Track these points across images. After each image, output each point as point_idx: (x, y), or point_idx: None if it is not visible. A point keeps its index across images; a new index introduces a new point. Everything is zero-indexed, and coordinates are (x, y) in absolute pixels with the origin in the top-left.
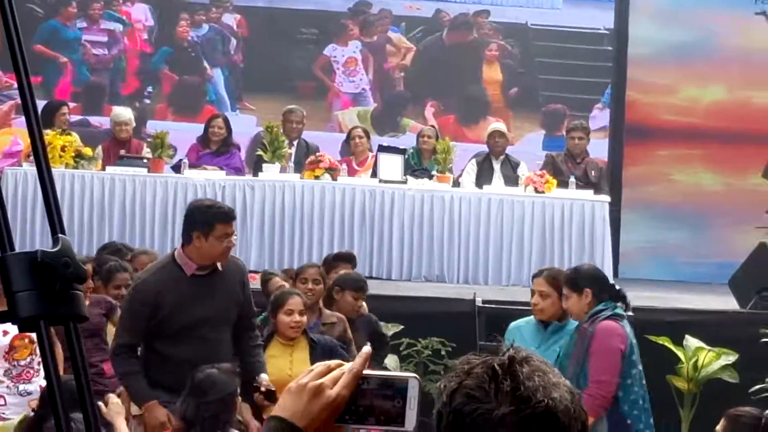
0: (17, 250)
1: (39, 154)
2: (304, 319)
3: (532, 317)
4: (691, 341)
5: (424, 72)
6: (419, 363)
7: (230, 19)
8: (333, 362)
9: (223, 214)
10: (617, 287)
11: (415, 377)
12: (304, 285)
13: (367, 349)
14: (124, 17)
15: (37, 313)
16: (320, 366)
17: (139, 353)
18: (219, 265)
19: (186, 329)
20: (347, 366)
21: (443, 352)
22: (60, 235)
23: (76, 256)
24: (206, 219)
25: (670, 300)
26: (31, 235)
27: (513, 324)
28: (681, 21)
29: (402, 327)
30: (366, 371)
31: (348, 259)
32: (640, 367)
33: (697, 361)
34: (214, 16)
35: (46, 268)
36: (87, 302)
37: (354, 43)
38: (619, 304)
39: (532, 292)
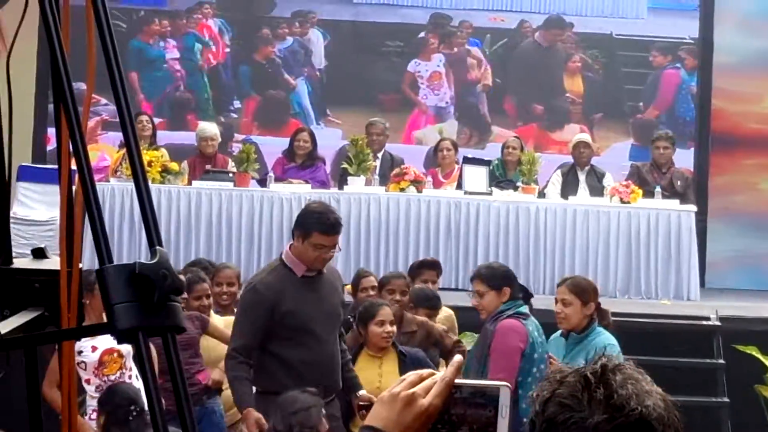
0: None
1: (136, 166)
2: (394, 329)
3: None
4: None
5: (505, 78)
6: None
7: (315, 34)
8: (425, 371)
9: (325, 225)
10: (524, 287)
11: (507, 386)
12: (391, 296)
13: (458, 357)
14: (200, 34)
15: (135, 324)
16: (412, 375)
17: (252, 358)
18: (323, 268)
19: (303, 329)
20: (439, 375)
21: None
22: (158, 247)
23: (173, 269)
24: (308, 224)
25: (757, 309)
26: (118, 250)
27: (553, 336)
28: (766, 29)
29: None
30: (458, 380)
31: (432, 266)
32: (543, 366)
33: None
34: (298, 31)
35: (144, 280)
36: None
37: (437, 57)
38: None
39: (556, 301)
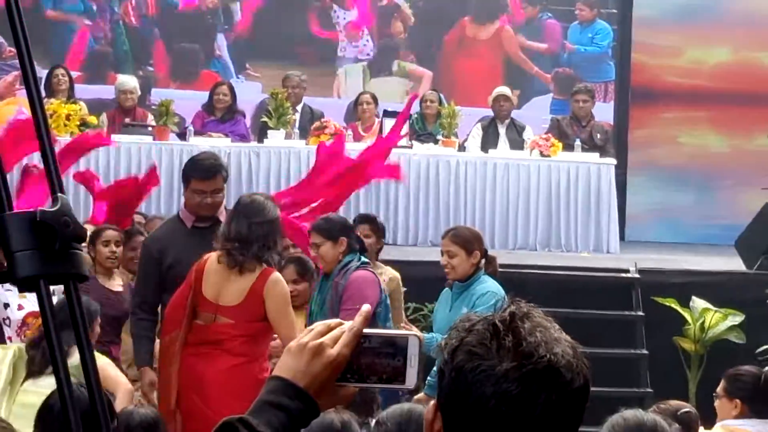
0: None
1: (37, 114)
2: (299, 287)
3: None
4: (698, 302)
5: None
6: (426, 327)
7: None
8: (333, 321)
9: (200, 170)
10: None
11: (416, 335)
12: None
13: (366, 307)
14: None
15: (36, 272)
16: (320, 325)
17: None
18: (221, 217)
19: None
20: (347, 324)
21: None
22: (59, 194)
23: (74, 216)
24: (186, 171)
25: (676, 262)
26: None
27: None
28: None
29: (406, 290)
30: (366, 330)
31: (366, 219)
32: (390, 315)
33: (703, 322)
34: None
35: (45, 227)
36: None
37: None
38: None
39: (441, 253)
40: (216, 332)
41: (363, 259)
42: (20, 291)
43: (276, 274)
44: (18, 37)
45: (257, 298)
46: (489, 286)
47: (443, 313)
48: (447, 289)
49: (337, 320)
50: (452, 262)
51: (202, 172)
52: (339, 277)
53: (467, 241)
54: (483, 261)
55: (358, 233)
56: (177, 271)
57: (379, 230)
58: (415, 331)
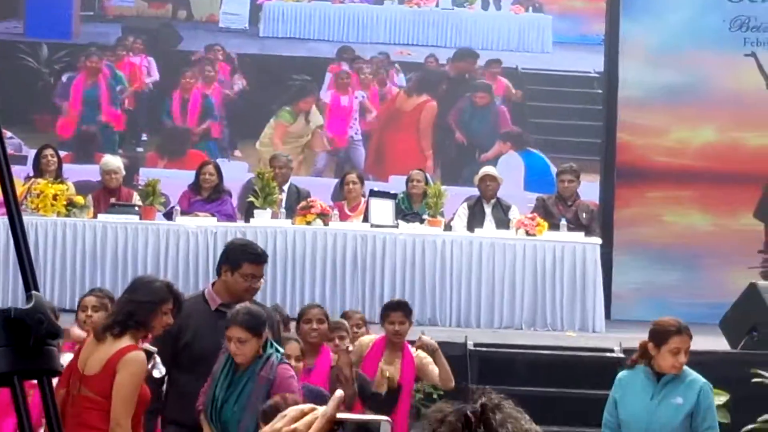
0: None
1: (13, 212)
2: (300, 365)
3: (641, 366)
4: None
5: None
6: (411, 407)
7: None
8: (306, 406)
9: (253, 255)
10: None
11: (388, 420)
12: (308, 325)
13: (339, 393)
14: (121, 74)
15: (10, 369)
16: (293, 411)
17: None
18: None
19: (202, 362)
20: (321, 410)
21: (435, 396)
22: (33, 291)
23: (49, 313)
24: (236, 256)
25: None
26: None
27: (623, 372)
28: (670, 63)
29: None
30: (339, 414)
31: (398, 307)
32: None
33: None
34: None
35: (19, 324)
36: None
37: (356, 93)
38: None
39: (676, 350)
40: (76, 403)
41: (279, 348)
42: None
43: (135, 353)
44: None
45: (111, 372)
46: (699, 376)
47: (643, 403)
48: (642, 376)
49: (310, 405)
50: (681, 360)
51: (257, 256)
52: (266, 371)
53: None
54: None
55: (390, 321)
56: (193, 350)
57: (410, 315)
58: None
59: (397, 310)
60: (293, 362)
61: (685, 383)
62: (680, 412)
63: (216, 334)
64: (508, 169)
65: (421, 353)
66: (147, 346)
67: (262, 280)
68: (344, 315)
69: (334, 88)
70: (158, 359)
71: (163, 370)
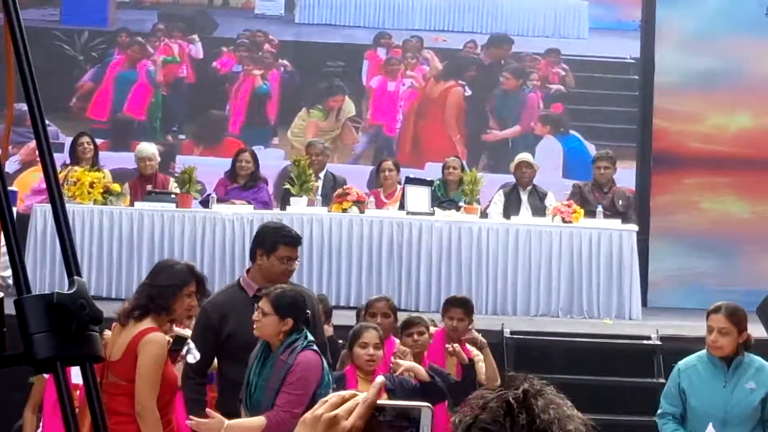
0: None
1: (55, 198)
2: (380, 352)
3: (702, 353)
4: None
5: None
6: None
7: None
8: (347, 392)
9: (287, 237)
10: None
11: (428, 406)
12: (373, 319)
13: (380, 379)
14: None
15: (53, 354)
16: (335, 397)
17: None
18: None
19: (246, 349)
20: (361, 396)
21: None
22: (76, 277)
23: (91, 298)
24: (271, 239)
25: (698, 328)
26: (60, 269)
27: (684, 363)
28: (707, 49)
29: None
30: (380, 401)
31: (459, 303)
32: (329, 390)
33: None
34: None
35: (62, 310)
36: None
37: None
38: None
39: (710, 329)
40: (105, 391)
41: (309, 337)
42: (37, 372)
43: (154, 334)
44: (32, 104)
45: (133, 354)
46: (762, 360)
47: (716, 390)
48: (707, 363)
49: (351, 392)
50: (722, 340)
51: (292, 238)
52: (285, 356)
53: (741, 319)
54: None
55: (450, 316)
56: (237, 339)
57: (471, 313)
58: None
59: (457, 307)
60: (371, 350)
61: (755, 368)
62: (755, 397)
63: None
64: (547, 155)
65: (472, 348)
66: (179, 330)
67: (297, 262)
68: (368, 306)
69: (383, 73)
70: (192, 345)
71: (198, 356)
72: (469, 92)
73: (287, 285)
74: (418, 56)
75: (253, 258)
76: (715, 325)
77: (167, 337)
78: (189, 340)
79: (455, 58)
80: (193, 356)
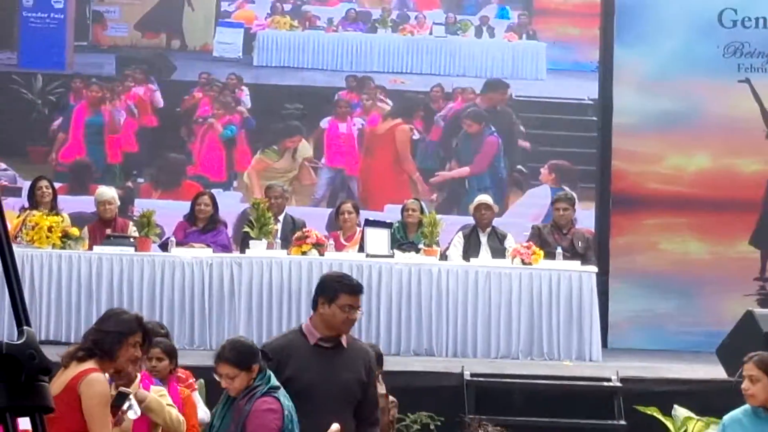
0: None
1: (3, 247)
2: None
3: (746, 406)
4: (680, 411)
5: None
6: None
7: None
8: None
9: (349, 285)
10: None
11: None
12: None
13: (335, 426)
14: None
15: (2, 405)
16: None
17: None
18: (344, 342)
19: (305, 397)
20: None
21: (432, 427)
22: (25, 327)
23: (40, 349)
24: (332, 287)
25: (658, 370)
26: (11, 318)
27: (729, 416)
28: (665, 90)
29: (391, 401)
30: None
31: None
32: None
33: (686, 431)
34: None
35: (11, 360)
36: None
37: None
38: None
39: (743, 378)
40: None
41: (272, 381)
42: None
43: (95, 374)
44: None
45: (72, 393)
46: None
47: None
48: (751, 415)
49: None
50: (754, 388)
51: (353, 287)
52: (244, 401)
53: None
54: None
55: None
56: (294, 386)
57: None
58: None
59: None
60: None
61: None
62: None
63: (316, 368)
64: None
65: None
66: (123, 388)
67: (359, 311)
68: None
69: (333, 116)
70: (134, 400)
71: (139, 412)
72: (416, 135)
73: (233, 339)
74: (374, 99)
75: (314, 306)
76: (746, 373)
77: (110, 392)
78: (131, 396)
79: (405, 99)
80: (134, 412)
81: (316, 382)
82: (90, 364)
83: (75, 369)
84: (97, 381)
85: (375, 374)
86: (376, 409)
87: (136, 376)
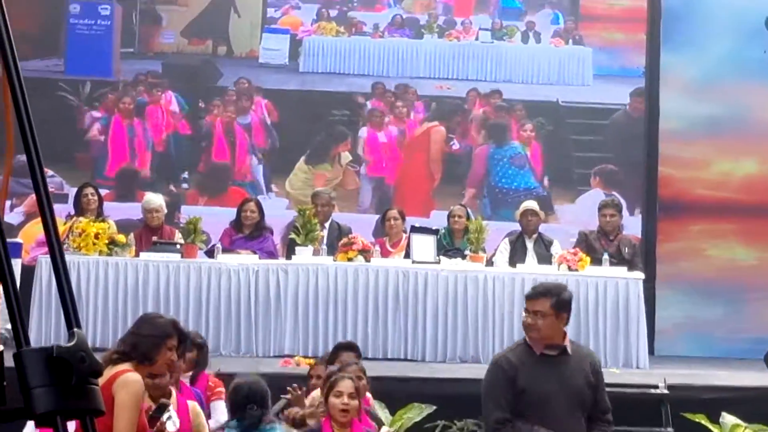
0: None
1: (55, 250)
2: (355, 402)
3: None
4: (728, 418)
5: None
6: None
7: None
8: None
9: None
10: None
11: None
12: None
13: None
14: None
15: (53, 408)
16: None
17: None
18: (569, 349)
19: (537, 406)
20: None
21: None
22: (75, 329)
23: (91, 350)
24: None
25: (706, 377)
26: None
27: None
28: (712, 95)
29: (435, 408)
30: None
31: (349, 348)
32: None
33: None
34: (246, 105)
35: (61, 363)
36: None
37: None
38: None
39: None
40: None
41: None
42: (37, 426)
43: (130, 374)
44: (30, 155)
45: (107, 395)
46: None
47: None
48: None
49: None
50: None
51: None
52: None
53: None
54: None
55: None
56: (527, 397)
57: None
58: None
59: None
60: (346, 399)
61: None
62: None
63: (548, 378)
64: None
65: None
66: (163, 399)
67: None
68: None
69: (369, 125)
70: (173, 411)
71: (178, 423)
72: (456, 145)
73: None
74: (409, 106)
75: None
76: None
77: (149, 402)
78: (170, 407)
79: (446, 104)
80: (173, 423)
81: (549, 390)
82: (125, 366)
83: (109, 372)
84: (133, 381)
85: (602, 376)
86: (608, 411)
87: (171, 391)
